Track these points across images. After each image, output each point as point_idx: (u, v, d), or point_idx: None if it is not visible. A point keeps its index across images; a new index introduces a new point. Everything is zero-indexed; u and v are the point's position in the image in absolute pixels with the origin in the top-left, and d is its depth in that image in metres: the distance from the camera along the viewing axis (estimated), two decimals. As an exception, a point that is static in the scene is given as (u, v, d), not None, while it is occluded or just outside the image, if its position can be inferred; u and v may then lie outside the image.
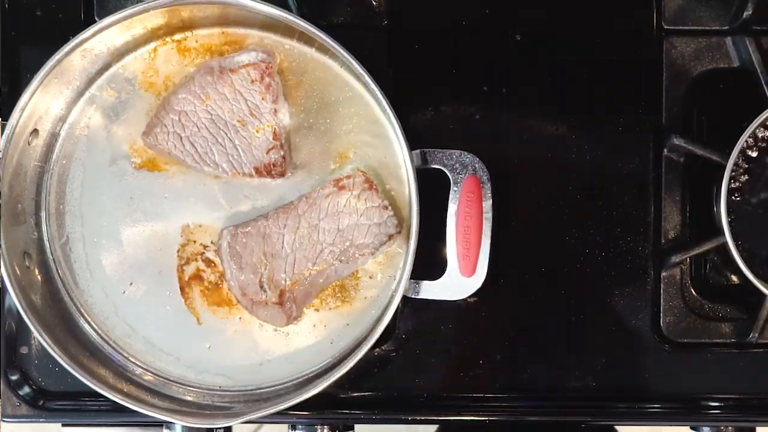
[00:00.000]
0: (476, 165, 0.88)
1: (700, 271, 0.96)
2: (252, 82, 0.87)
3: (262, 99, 0.87)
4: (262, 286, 0.87)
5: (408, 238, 0.85)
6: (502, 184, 0.90)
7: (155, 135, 0.88)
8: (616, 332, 0.93)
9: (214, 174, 0.89)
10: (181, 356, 0.91)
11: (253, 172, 0.88)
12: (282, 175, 0.88)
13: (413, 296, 0.87)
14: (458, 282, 0.87)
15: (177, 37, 0.91)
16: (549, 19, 0.94)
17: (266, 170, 0.88)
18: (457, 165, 0.88)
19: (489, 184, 0.88)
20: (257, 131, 0.87)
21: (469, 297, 0.88)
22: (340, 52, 0.84)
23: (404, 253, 0.87)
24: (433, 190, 0.88)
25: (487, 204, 0.87)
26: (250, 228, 0.87)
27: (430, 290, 0.88)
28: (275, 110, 0.87)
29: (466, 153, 0.88)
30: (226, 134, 0.88)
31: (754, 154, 0.89)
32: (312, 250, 0.87)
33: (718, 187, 0.87)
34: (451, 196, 0.87)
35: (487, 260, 0.87)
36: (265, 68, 0.87)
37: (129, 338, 0.91)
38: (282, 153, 0.88)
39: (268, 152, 0.87)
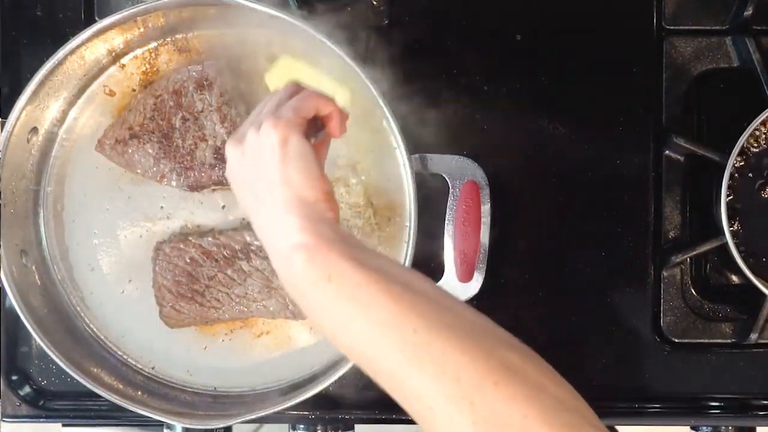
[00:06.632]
0: (474, 170, 0.87)
1: (700, 271, 0.96)
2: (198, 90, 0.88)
3: (202, 111, 0.88)
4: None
5: (407, 243, 0.85)
6: (502, 182, 0.90)
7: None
8: (616, 332, 0.93)
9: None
10: (177, 357, 0.91)
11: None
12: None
13: (410, 300, 0.87)
14: (455, 287, 0.87)
15: (177, 37, 0.91)
16: (549, 19, 0.94)
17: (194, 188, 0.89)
18: (456, 170, 0.87)
19: (487, 189, 0.87)
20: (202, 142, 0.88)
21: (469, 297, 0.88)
22: (339, 53, 0.84)
23: (402, 257, 0.87)
24: (431, 195, 0.88)
25: (485, 208, 0.87)
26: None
27: (427, 295, 0.87)
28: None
29: (464, 158, 0.88)
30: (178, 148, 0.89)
31: (754, 154, 0.89)
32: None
33: (718, 187, 0.87)
34: (449, 201, 0.87)
35: (485, 266, 0.87)
36: (197, 79, 0.87)
37: (126, 338, 0.91)
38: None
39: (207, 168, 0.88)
